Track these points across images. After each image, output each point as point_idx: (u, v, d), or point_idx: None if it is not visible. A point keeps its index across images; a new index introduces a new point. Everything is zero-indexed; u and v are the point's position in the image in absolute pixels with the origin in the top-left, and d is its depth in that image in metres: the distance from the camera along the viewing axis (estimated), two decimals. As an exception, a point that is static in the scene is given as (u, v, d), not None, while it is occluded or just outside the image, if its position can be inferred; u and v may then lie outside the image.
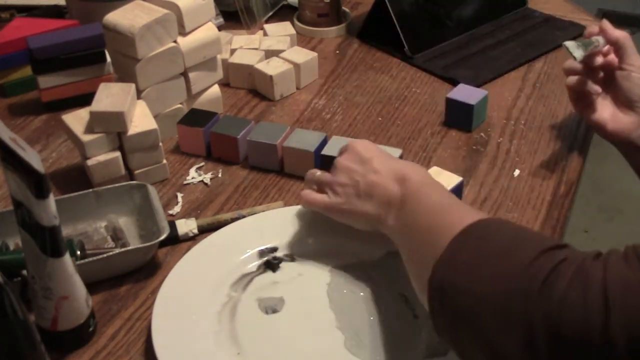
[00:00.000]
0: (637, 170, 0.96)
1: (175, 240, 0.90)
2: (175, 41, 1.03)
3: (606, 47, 0.96)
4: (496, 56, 1.26)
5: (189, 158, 1.05)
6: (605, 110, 0.96)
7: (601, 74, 0.97)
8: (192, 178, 1.01)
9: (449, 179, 0.91)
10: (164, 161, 1.00)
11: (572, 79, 0.98)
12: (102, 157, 0.96)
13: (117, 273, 0.86)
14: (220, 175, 1.02)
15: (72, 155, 1.05)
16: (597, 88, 0.96)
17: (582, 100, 0.98)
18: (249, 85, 1.19)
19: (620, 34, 0.94)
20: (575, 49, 0.93)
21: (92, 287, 0.82)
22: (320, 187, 0.86)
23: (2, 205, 0.97)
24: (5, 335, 0.63)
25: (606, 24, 0.95)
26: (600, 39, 0.95)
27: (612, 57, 0.97)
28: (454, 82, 1.17)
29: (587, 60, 0.95)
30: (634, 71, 0.94)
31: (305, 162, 0.99)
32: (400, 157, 0.97)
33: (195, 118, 1.05)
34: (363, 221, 0.82)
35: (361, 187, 0.81)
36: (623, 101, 0.95)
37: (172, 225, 0.90)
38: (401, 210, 0.77)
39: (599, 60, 0.95)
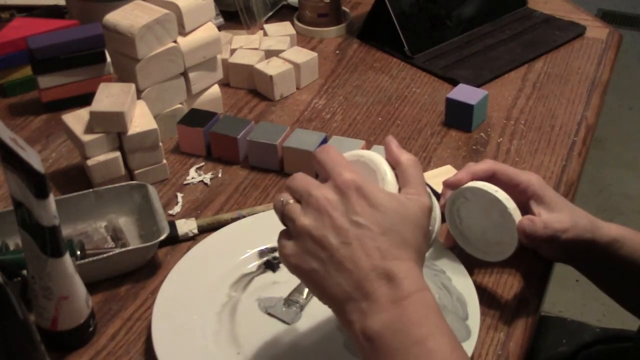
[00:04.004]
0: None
1: (175, 240, 0.90)
2: (175, 41, 1.03)
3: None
4: (496, 56, 1.26)
5: (189, 158, 1.05)
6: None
7: None
8: (192, 178, 1.01)
9: None
10: (164, 161, 1.00)
11: None
12: (102, 157, 0.96)
13: (117, 273, 0.86)
14: (220, 175, 1.02)
15: (72, 155, 1.05)
16: None
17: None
18: (249, 85, 1.19)
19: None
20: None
21: (92, 287, 0.82)
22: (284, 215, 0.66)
23: (2, 205, 0.97)
24: (5, 335, 0.63)
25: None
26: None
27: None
28: (454, 82, 1.17)
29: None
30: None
31: (305, 162, 0.99)
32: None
33: (195, 118, 1.05)
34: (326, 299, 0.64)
35: (334, 257, 0.61)
36: None
37: (172, 225, 0.90)
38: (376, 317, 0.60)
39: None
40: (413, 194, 0.64)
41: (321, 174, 0.66)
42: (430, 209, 0.65)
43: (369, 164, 0.67)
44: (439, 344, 0.59)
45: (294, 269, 0.64)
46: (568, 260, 0.85)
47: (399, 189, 0.65)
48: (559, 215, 0.79)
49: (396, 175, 0.66)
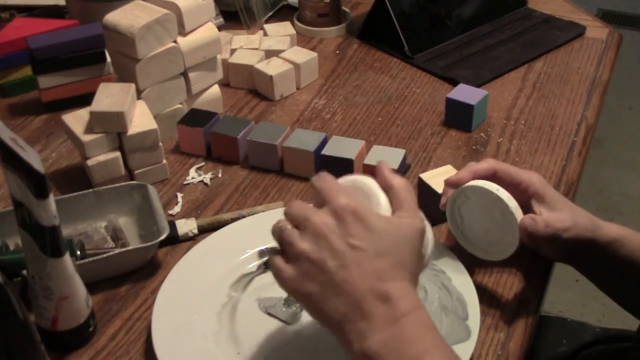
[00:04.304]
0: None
1: (175, 240, 0.90)
2: (175, 41, 1.03)
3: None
4: (496, 56, 1.26)
5: (189, 158, 1.05)
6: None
7: None
8: (192, 178, 1.01)
9: None
10: (164, 161, 1.00)
11: None
12: (102, 157, 0.96)
13: (117, 273, 0.86)
14: (220, 175, 1.02)
15: (72, 155, 1.05)
16: None
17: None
18: (249, 85, 1.19)
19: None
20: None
21: (92, 287, 0.82)
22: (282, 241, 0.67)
23: (2, 205, 0.97)
24: (5, 335, 0.63)
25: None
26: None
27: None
28: (454, 82, 1.17)
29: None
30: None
31: (305, 162, 0.99)
32: (404, 157, 0.97)
33: (195, 118, 1.05)
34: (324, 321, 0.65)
35: (332, 280, 0.63)
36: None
37: (172, 225, 0.90)
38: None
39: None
40: (406, 217, 0.66)
41: (317, 200, 0.67)
42: (423, 232, 0.67)
43: (363, 188, 0.69)
44: None
45: (293, 293, 0.65)
46: (568, 260, 0.85)
47: (393, 212, 0.67)
48: (560, 214, 0.79)
49: (389, 199, 0.68)
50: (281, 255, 0.66)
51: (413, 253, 0.66)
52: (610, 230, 0.81)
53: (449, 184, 0.83)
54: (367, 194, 0.68)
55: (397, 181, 0.68)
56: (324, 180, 0.67)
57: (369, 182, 0.69)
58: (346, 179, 0.71)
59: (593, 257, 0.81)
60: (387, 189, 0.68)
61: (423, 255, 0.68)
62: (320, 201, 0.66)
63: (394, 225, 0.65)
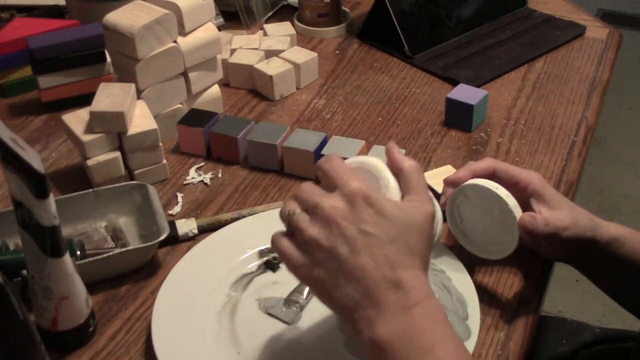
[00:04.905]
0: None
1: (175, 240, 0.90)
2: (175, 41, 1.03)
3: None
4: (496, 56, 1.26)
5: (189, 158, 1.05)
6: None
7: None
8: (192, 178, 1.01)
9: None
10: (164, 161, 1.00)
11: None
12: (102, 157, 0.96)
13: (117, 273, 0.86)
14: (220, 175, 1.02)
15: (72, 155, 1.05)
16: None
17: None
18: (249, 85, 1.19)
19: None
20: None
21: (92, 287, 0.82)
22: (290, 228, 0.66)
23: (2, 205, 0.97)
24: (5, 335, 0.63)
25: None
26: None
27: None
28: (454, 82, 1.17)
29: None
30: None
31: (305, 162, 0.99)
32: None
33: (195, 118, 1.05)
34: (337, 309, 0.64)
35: (343, 267, 0.62)
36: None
37: (172, 225, 0.90)
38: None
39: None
40: (416, 200, 0.65)
41: (326, 183, 0.66)
42: (433, 216, 0.65)
43: (372, 170, 0.67)
44: (447, 352, 0.60)
45: (304, 279, 0.64)
46: (568, 259, 0.85)
47: (402, 196, 0.66)
48: (559, 213, 0.79)
49: (398, 182, 0.66)
50: (289, 237, 0.65)
51: (424, 239, 0.64)
52: (610, 229, 0.81)
53: (448, 183, 0.83)
54: (376, 177, 0.67)
55: (408, 164, 0.66)
56: (332, 162, 0.66)
57: (377, 164, 0.67)
58: (354, 160, 0.69)
59: (593, 257, 0.81)
60: (397, 171, 0.67)
61: (433, 237, 0.68)
62: (329, 184, 0.65)
63: (404, 211, 0.64)
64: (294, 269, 0.64)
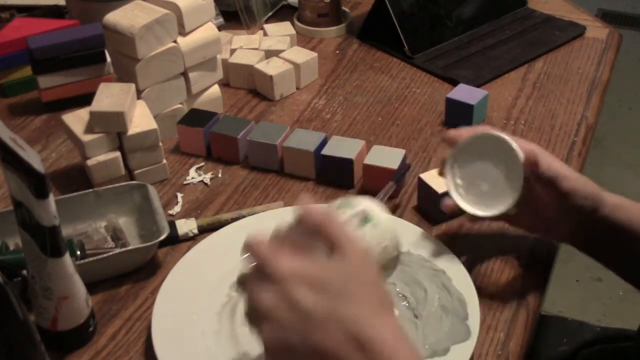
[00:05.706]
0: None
1: (175, 240, 0.90)
2: (175, 41, 1.03)
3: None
4: (496, 56, 1.26)
5: (189, 158, 1.05)
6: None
7: None
8: (192, 178, 1.01)
9: None
10: (164, 161, 1.00)
11: None
12: (102, 157, 0.96)
13: (117, 273, 0.86)
14: (220, 175, 1.02)
15: (72, 155, 1.05)
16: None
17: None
18: (249, 85, 1.19)
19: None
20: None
21: (92, 287, 0.82)
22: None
23: (2, 205, 0.97)
24: (5, 335, 0.63)
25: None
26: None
27: None
28: (454, 82, 1.17)
29: None
30: None
31: (305, 162, 0.99)
32: (404, 157, 0.97)
33: (195, 118, 1.05)
34: None
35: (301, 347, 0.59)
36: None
37: (172, 225, 0.90)
38: None
39: None
40: (343, 253, 0.61)
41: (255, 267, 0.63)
42: (365, 252, 0.63)
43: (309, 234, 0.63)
44: None
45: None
46: (572, 236, 0.83)
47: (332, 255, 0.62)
48: (562, 164, 0.81)
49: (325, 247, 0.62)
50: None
51: (370, 282, 0.61)
52: (613, 197, 0.83)
53: (447, 139, 0.83)
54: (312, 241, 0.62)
55: (313, 223, 0.62)
56: (258, 245, 0.63)
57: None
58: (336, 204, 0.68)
59: (596, 228, 0.81)
60: (330, 244, 0.62)
61: (389, 258, 0.67)
62: (260, 269, 0.62)
63: (339, 269, 0.60)
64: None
